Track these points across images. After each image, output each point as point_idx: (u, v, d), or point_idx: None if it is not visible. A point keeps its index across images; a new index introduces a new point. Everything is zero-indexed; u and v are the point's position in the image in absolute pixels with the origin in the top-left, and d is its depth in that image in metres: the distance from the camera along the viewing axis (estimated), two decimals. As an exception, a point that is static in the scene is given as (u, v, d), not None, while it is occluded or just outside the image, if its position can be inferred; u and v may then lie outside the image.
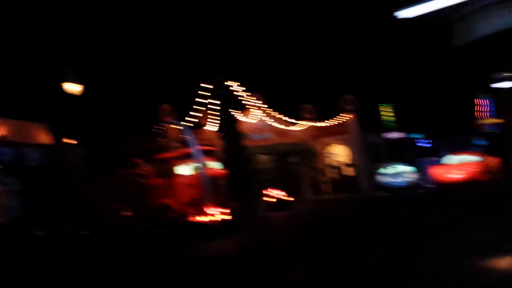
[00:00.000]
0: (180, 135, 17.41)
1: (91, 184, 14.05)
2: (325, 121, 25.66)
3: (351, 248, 7.59)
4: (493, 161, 20.41)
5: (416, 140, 32.20)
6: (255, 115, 24.99)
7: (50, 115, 15.94)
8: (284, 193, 18.88)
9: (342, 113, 25.09)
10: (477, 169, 18.93)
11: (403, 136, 28.22)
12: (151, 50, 25.67)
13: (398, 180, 20.72)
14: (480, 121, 27.38)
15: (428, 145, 33.50)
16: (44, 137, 15.84)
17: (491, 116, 25.96)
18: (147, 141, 20.10)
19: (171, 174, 14.26)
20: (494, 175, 19.72)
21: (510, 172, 20.94)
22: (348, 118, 24.96)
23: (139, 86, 24.57)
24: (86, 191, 13.75)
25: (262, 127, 25.82)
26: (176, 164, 14.40)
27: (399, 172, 21.24)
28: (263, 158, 26.42)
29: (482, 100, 27.26)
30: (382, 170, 21.91)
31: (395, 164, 22.19)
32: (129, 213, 14.69)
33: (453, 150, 32.14)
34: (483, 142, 31.38)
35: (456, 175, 19.05)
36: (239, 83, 22.44)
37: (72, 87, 13.51)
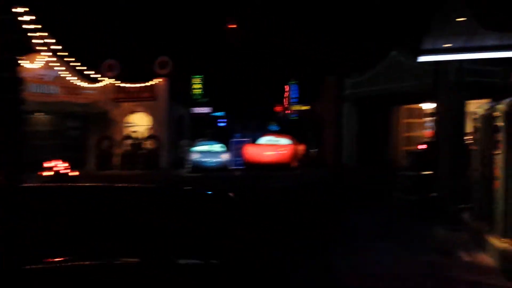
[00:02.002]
0: None
1: None
2: (131, 82, 21.81)
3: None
4: (300, 147, 20.39)
5: (219, 119, 31.09)
6: (41, 60, 19.33)
7: None
8: (66, 165, 14.71)
9: (153, 77, 21.66)
10: (288, 153, 18.48)
11: (208, 112, 26.51)
12: None
13: (210, 160, 18.71)
14: (286, 107, 27.75)
15: (223, 125, 32.99)
16: None
17: (294, 103, 26.56)
18: None
19: None
20: (300, 161, 19.69)
21: (311, 159, 21.45)
22: (159, 83, 21.70)
23: None
24: None
25: (48, 78, 20.32)
26: None
27: (211, 151, 19.26)
28: (43, 118, 21.01)
29: (289, 87, 27.77)
30: (192, 147, 19.56)
31: (207, 142, 20.14)
32: None
33: (247, 133, 32.53)
34: (276, 128, 32.54)
35: (267, 157, 18.19)
36: (30, 13, 16.53)
37: None
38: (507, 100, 6.63)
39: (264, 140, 19.95)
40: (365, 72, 19.18)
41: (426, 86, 16.02)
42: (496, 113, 6.58)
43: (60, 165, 14.65)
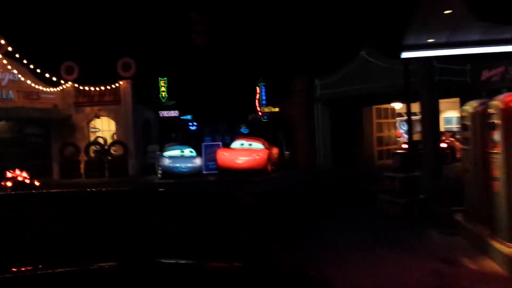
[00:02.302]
0: None
1: None
2: (92, 86, 20.74)
3: None
4: (274, 150, 19.93)
5: (189, 122, 30.19)
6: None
7: None
8: (25, 175, 13.82)
9: (116, 79, 20.66)
10: (263, 157, 17.91)
11: (176, 115, 25.61)
12: None
13: (181, 165, 17.91)
14: (258, 109, 27.22)
15: (194, 128, 32.17)
16: None
17: (264, 105, 26.07)
18: None
19: None
20: (274, 164, 19.21)
21: (284, 162, 21.07)
22: (122, 86, 20.72)
23: None
24: None
25: (3, 83, 19.05)
26: None
27: (182, 156, 18.50)
28: (1, 124, 19.76)
29: (259, 88, 27.23)
30: (163, 152, 18.73)
31: (177, 147, 19.36)
32: None
33: (217, 136, 31.86)
34: (247, 130, 31.99)
35: (242, 163, 17.55)
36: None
37: None
38: (501, 97, 6.34)
39: (237, 144, 19.25)
40: (335, 72, 18.96)
41: (397, 87, 15.91)
42: (491, 110, 6.27)
43: (19, 175, 13.63)
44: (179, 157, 18.12)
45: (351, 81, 17.94)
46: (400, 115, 23.01)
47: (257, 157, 17.65)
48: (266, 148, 18.81)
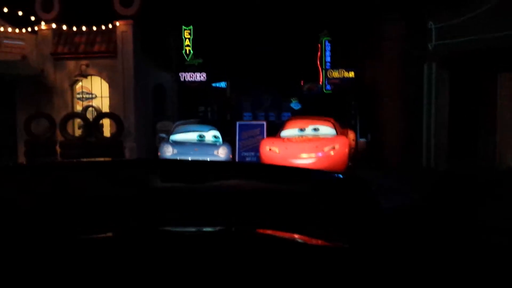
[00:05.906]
0: None
1: None
2: (78, 27, 13.94)
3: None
4: (351, 135, 12.42)
5: (220, 89, 22.91)
6: None
7: None
8: None
9: (111, 19, 13.72)
10: (342, 152, 10.40)
11: (203, 79, 18.48)
12: None
13: (199, 153, 10.79)
14: (326, 74, 19.22)
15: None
16: None
17: (329, 69, 18.38)
18: None
19: None
20: (352, 161, 11.68)
21: (360, 153, 13.73)
22: (120, 29, 13.73)
23: None
24: None
25: None
26: None
27: (199, 142, 11.44)
28: None
29: (322, 45, 19.53)
30: (171, 134, 11.75)
31: (192, 127, 12.29)
32: None
33: (258, 112, 24.62)
34: (298, 105, 24.64)
35: (307, 164, 10.04)
36: None
37: None
38: None
39: (294, 130, 11.61)
40: (465, 8, 11.13)
41: None
42: None
43: None
44: (193, 144, 10.94)
45: (499, 22, 10.07)
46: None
47: (332, 153, 10.15)
48: (340, 133, 11.35)
